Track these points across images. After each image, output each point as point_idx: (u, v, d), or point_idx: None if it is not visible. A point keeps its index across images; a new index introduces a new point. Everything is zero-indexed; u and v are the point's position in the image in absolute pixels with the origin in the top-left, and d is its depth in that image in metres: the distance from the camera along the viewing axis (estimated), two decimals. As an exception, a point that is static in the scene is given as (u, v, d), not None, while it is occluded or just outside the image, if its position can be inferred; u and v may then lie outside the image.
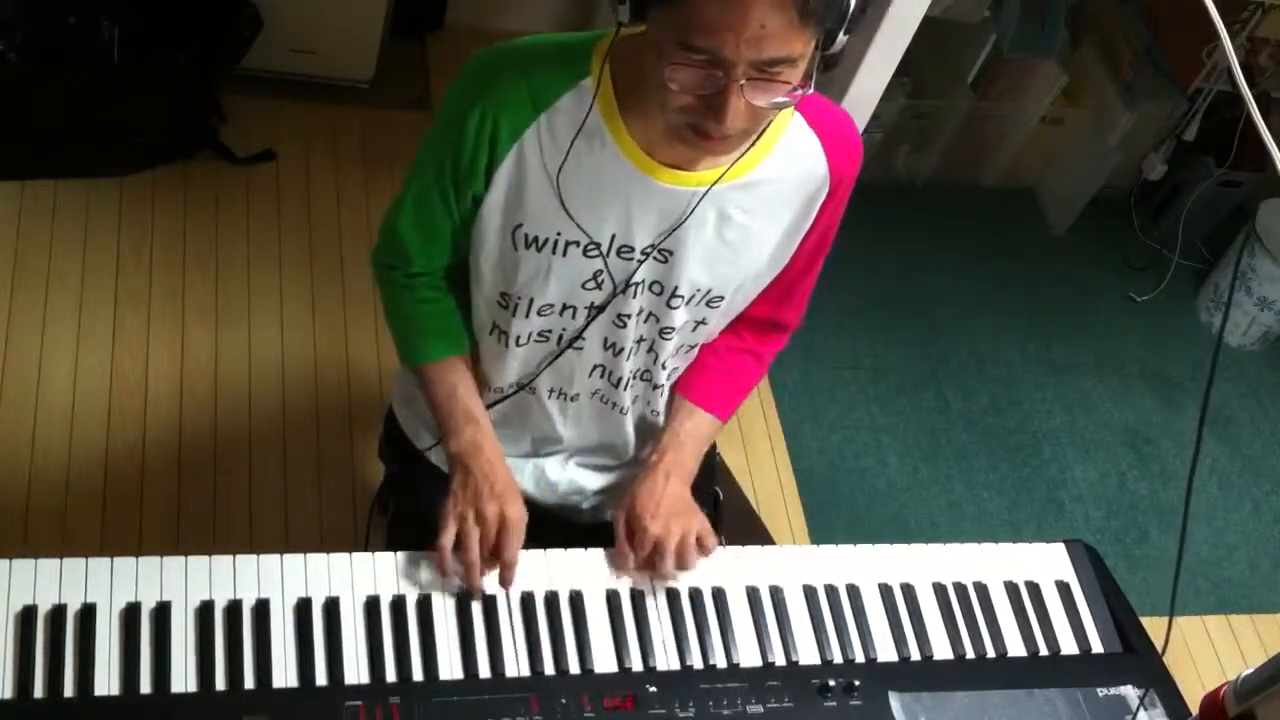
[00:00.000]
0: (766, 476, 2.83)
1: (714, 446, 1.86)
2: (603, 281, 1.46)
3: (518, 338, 1.53)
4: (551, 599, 1.48)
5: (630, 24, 1.24)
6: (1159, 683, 1.58)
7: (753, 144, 1.36)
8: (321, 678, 1.36)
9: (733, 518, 1.92)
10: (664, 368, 1.59)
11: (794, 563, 1.60)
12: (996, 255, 3.52)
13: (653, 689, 1.43)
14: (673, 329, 1.53)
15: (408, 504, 1.76)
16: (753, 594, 1.55)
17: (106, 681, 1.31)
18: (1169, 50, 3.36)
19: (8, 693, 1.28)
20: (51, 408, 2.48)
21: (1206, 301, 3.57)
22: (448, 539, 1.47)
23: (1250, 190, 3.56)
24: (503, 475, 1.53)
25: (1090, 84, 3.46)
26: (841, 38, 1.21)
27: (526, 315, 1.50)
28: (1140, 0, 3.42)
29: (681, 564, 1.53)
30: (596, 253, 1.43)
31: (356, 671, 1.37)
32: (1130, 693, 1.56)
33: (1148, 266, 3.61)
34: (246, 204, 2.89)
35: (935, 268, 3.43)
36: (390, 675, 1.38)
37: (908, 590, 1.60)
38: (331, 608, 1.41)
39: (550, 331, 1.53)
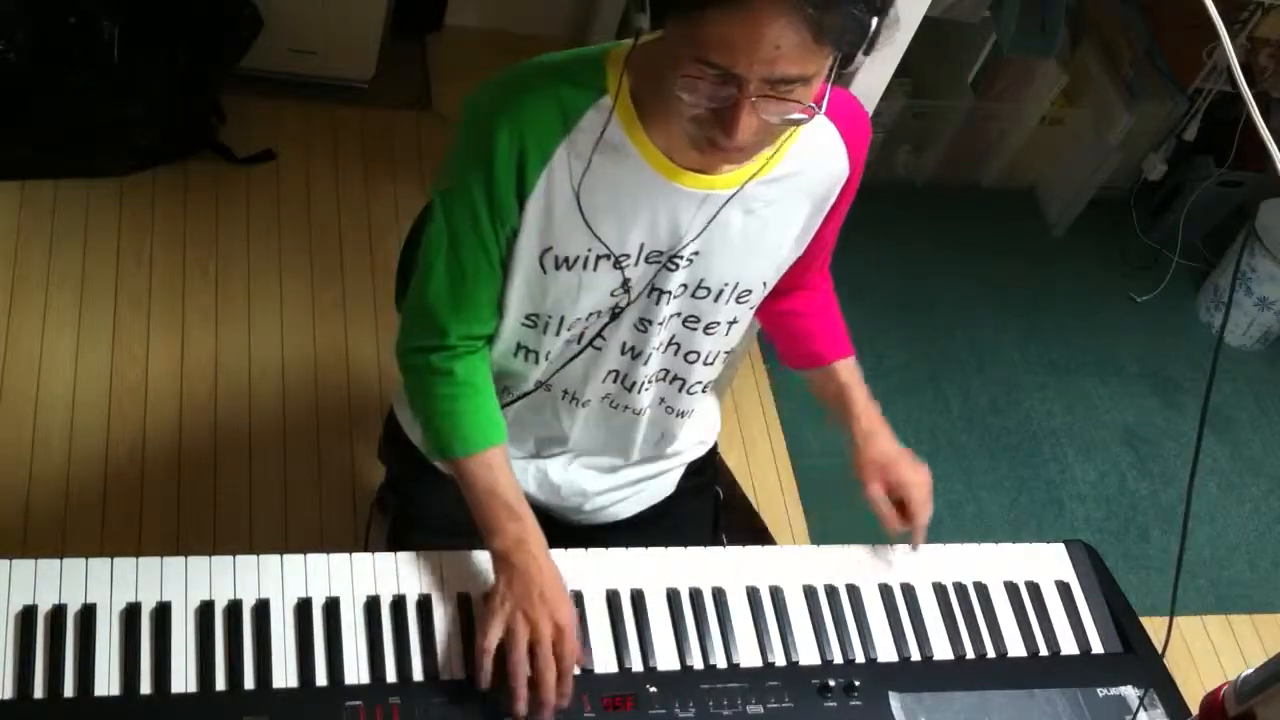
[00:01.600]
0: (766, 476, 2.83)
1: (714, 446, 1.85)
2: (631, 287, 1.45)
3: (548, 353, 1.52)
4: (551, 599, 1.48)
5: (650, 30, 1.24)
6: (1159, 683, 1.58)
7: (777, 149, 1.36)
8: (321, 678, 1.36)
9: (733, 518, 1.92)
10: (706, 364, 1.58)
11: (794, 563, 1.60)
12: (996, 255, 3.51)
13: (653, 689, 1.43)
14: (716, 322, 1.51)
15: (408, 504, 1.76)
16: (753, 594, 1.55)
17: (106, 682, 1.31)
18: (1169, 50, 3.36)
19: (8, 693, 1.28)
20: (52, 408, 2.48)
21: (1206, 301, 3.57)
22: (492, 639, 1.37)
23: (1250, 190, 3.56)
24: (550, 575, 1.42)
25: (1090, 84, 3.46)
26: (861, 57, 1.21)
27: (557, 333, 1.48)
28: (1140, 0, 3.42)
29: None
30: (627, 262, 1.42)
31: (356, 671, 1.37)
32: (1130, 693, 1.56)
33: (1148, 266, 3.60)
34: (246, 204, 2.89)
35: (935, 267, 3.43)
36: (390, 675, 1.38)
37: (908, 590, 1.60)
38: (331, 608, 1.41)
39: (581, 335, 1.51)
